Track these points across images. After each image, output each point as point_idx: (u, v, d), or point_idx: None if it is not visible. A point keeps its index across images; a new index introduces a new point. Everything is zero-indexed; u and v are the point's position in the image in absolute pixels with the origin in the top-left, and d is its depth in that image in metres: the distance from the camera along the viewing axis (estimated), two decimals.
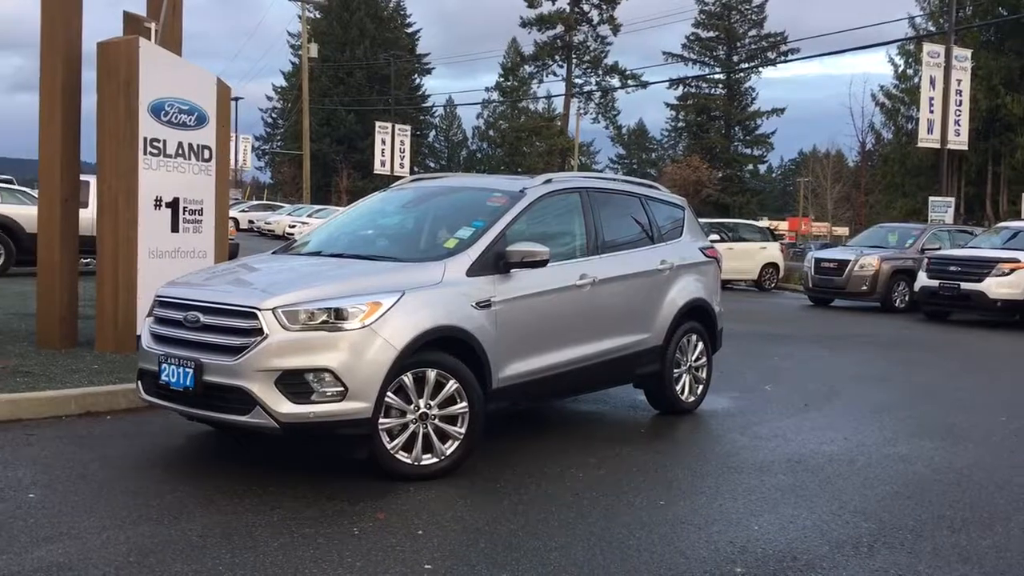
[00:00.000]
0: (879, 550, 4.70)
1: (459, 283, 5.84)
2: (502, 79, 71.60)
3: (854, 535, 4.90)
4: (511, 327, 6.08)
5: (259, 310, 5.27)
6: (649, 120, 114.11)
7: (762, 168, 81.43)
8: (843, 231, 58.05)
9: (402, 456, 5.52)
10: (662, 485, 5.74)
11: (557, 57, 67.54)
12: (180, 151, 9.12)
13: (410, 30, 75.40)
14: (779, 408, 8.28)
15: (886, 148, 50.44)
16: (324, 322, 5.30)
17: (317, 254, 6.54)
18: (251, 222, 43.63)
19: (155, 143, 8.87)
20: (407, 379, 5.48)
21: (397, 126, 40.45)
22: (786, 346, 12.71)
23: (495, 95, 72.74)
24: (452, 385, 5.63)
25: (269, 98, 76.55)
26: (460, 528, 4.82)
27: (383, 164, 38.22)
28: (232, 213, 45.18)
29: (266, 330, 5.23)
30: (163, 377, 5.55)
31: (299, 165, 53.91)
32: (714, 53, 71.61)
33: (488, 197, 6.65)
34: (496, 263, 6.06)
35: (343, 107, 65.97)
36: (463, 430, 5.68)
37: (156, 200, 8.93)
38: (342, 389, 5.23)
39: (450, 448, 5.65)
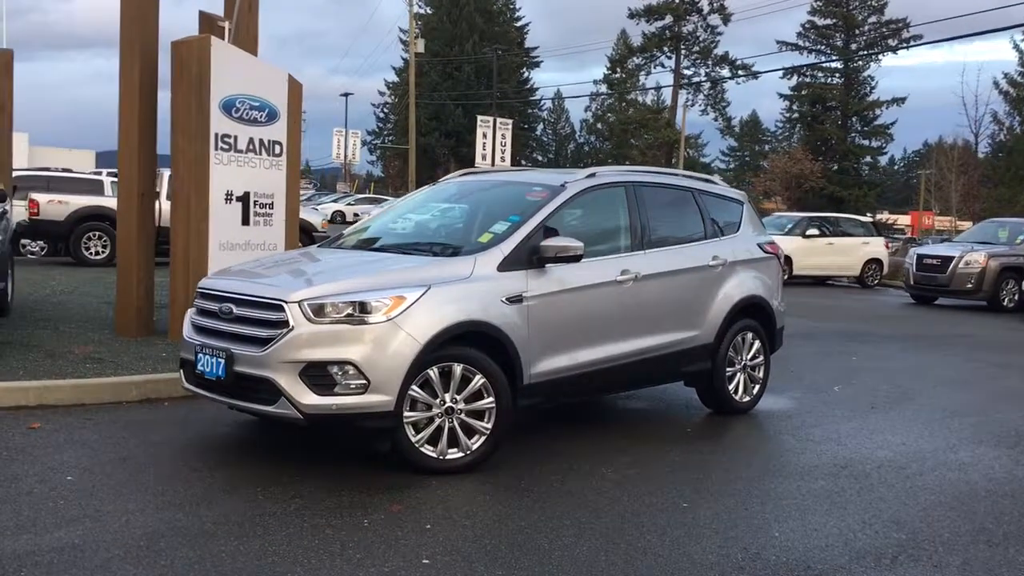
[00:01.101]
0: (903, 562, 4.49)
1: (489, 278, 5.82)
2: (609, 71, 71.18)
3: (880, 546, 4.70)
4: (544, 322, 6.03)
5: (286, 302, 5.38)
6: (763, 111, 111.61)
7: (883, 160, 78.67)
8: (969, 226, 55.65)
9: (427, 449, 5.54)
10: (691, 486, 5.61)
11: (665, 48, 66.70)
12: (251, 146, 9.35)
13: (519, 24, 75.57)
14: (842, 410, 7.99)
15: (1016, 138, 48.12)
16: (349, 315, 5.36)
17: (357, 247, 6.63)
18: (356, 215, 44.53)
19: (226, 139, 9.12)
20: (432, 373, 5.50)
21: (498, 120, 40.59)
22: (871, 345, 12.26)
23: (603, 88, 72.39)
24: (479, 380, 5.62)
25: (381, 93, 77.87)
26: (470, 523, 4.82)
27: (484, 158, 38.50)
28: (338, 206, 46.31)
29: (292, 322, 5.33)
30: (199, 367, 5.72)
31: (407, 159, 54.81)
32: (831, 41, 69.45)
33: (528, 191, 6.61)
34: (530, 258, 6.02)
35: (451, 101, 66.70)
36: (489, 425, 5.67)
37: (227, 194, 9.18)
38: (364, 382, 5.28)
39: (476, 443, 5.65)
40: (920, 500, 5.48)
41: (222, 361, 5.52)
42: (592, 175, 6.84)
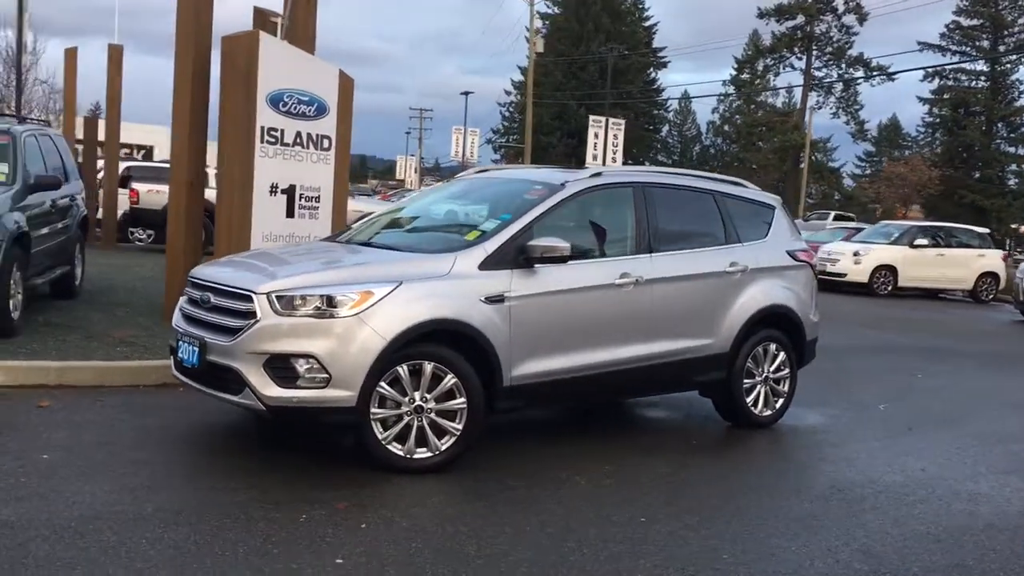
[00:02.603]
0: None
1: (468, 276, 5.71)
2: (736, 72, 69.75)
3: None
4: (529, 324, 5.87)
5: (255, 294, 5.40)
6: (904, 115, 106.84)
7: None
8: None
9: (395, 448, 5.48)
10: (664, 500, 5.36)
11: (796, 49, 64.79)
12: (298, 140, 9.46)
13: (647, 24, 74.72)
14: (876, 429, 7.53)
15: None
16: (316, 308, 5.34)
17: (354, 242, 6.62)
18: None
19: (272, 132, 9.25)
20: (402, 371, 5.43)
21: (611, 120, 40.20)
22: (947, 363, 11.54)
23: (731, 89, 70.92)
24: (450, 379, 5.53)
25: (508, 92, 78.39)
26: (408, 525, 4.72)
27: (595, 158, 38.20)
28: None
29: (259, 313, 5.35)
30: (179, 354, 5.81)
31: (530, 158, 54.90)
32: (977, 43, 66.11)
33: (528, 190, 6.47)
34: (517, 258, 5.88)
35: (575, 101, 66.50)
36: (460, 426, 5.57)
37: (272, 186, 9.32)
38: (327, 376, 5.26)
39: (446, 444, 5.55)
40: (906, 530, 5.09)
41: (196, 349, 5.60)
42: (597, 175, 6.64)
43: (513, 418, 6.87)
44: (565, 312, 6.09)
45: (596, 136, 38.81)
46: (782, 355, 7.32)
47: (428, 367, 5.49)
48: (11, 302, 8.13)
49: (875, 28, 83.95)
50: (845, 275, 21.20)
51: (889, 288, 21.14)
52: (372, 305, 5.35)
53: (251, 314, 5.38)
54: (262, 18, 9.79)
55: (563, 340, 6.08)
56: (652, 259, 6.56)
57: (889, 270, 21.09)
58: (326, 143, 9.71)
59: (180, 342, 5.80)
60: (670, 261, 6.66)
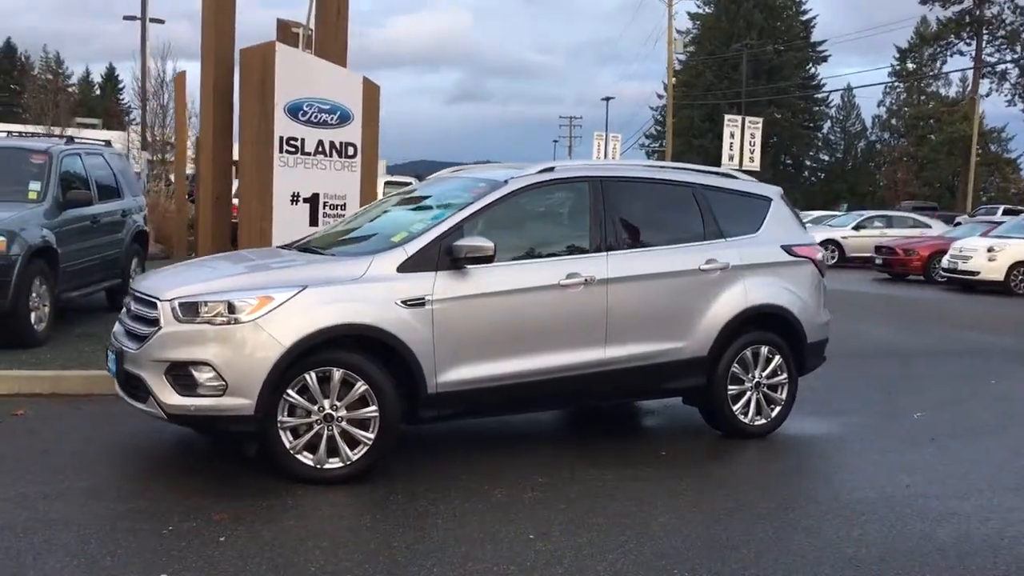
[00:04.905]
0: None
1: (383, 279, 5.48)
2: (897, 63, 66.18)
3: None
4: (457, 328, 5.59)
5: (159, 300, 5.35)
6: None
7: None
8: None
9: (304, 457, 5.31)
10: (568, 518, 4.90)
11: (964, 34, 60.78)
12: (320, 149, 9.47)
13: (805, 17, 71.94)
14: (892, 440, 6.78)
15: None
16: (219, 315, 5.23)
17: (297, 248, 6.50)
18: None
19: (292, 142, 9.28)
20: (310, 378, 5.27)
21: (747, 119, 38.67)
22: None
23: (895, 82, 67.34)
24: (360, 387, 5.32)
25: (660, 96, 77.26)
26: (268, 539, 4.51)
27: (731, 159, 36.86)
28: None
29: (162, 320, 5.30)
30: (108, 363, 5.84)
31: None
32: None
33: (472, 188, 6.18)
34: (443, 258, 5.61)
35: (726, 101, 64.73)
36: (373, 435, 5.35)
37: (293, 196, 9.36)
38: (222, 384, 5.15)
39: (357, 454, 5.34)
40: (826, 554, 4.49)
41: (115, 357, 5.61)
42: (548, 170, 6.27)
43: (470, 424, 6.60)
44: (500, 315, 5.76)
45: (732, 136, 37.54)
46: (777, 359, 6.69)
47: (337, 374, 5.30)
48: (34, 314, 8.48)
49: None
50: (978, 273, 19.56)
51: None
52: (271, 311, 5.20)
53: (156, 321, 5.34)
54: (285, 29, 9.88)
55: (499, 344, 5.75)
56: (608, 258, 6.12)
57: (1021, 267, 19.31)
58: (351, 151, 9.68)
59: (109, 351, 5.83)
60: (630, 260, 6.20)
